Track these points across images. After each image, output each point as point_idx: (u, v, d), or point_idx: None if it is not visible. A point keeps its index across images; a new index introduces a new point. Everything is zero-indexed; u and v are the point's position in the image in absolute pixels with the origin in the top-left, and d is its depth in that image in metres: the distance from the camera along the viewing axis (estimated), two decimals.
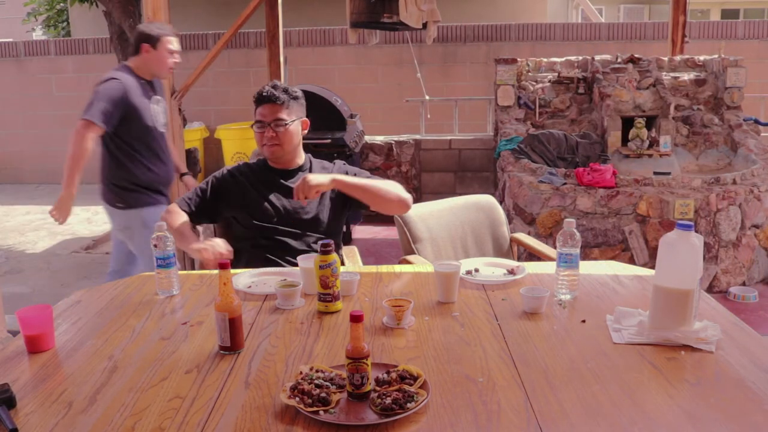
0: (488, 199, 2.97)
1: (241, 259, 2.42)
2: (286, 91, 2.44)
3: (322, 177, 2.30)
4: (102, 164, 3.31)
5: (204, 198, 2.50)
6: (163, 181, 3.33)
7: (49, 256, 5.55)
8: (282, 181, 2.49)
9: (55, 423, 1.36)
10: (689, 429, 1.30)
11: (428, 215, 2.79)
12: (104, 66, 8.04)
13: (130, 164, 3.20)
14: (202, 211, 2.50)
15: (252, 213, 2.45)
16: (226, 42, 3.91)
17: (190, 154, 4.69)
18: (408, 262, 2.53)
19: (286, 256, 2.41)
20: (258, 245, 2.44)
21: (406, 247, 2.71)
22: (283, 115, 2.43)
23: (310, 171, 2.53)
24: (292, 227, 2.45)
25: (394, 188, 2.43)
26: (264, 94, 2.43)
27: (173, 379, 1.53)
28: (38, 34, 13.80)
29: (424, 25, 4.86)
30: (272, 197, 2.46)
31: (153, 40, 3.18)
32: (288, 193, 2.44)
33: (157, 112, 3.25)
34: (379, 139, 6.13)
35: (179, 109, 3.87)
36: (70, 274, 5.08)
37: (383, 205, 2.43)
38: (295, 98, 2.46)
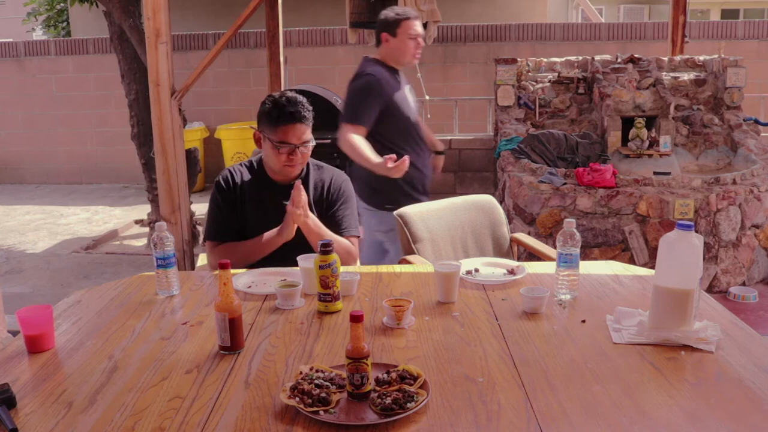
0: (488, 199, 2.96)
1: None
2: (304, 106, 2.33)
3: (311, 218, 2.30)
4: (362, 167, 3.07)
5: (229, 215, 2.39)
6: (425, 177, 3.16)
7: (49, 256, 5.55)
8: (281, 199, 2.35)
9: (55, 423, 1.36)
10: (689, 429, 1.30)
11: (428, 215, 2.78)
12: (104, 66, 8.10)
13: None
14: (235, 226, 2.38)
15: (251, 229, 2.37)
16: (226, 42, 3.90)
17: (190, 154, 4.68)
18: (408, 262, 2.53)
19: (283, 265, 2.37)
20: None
21: (406, 247, 2.71)
22: (309, 134, 2.34)
23: (308, 177, 2.45)
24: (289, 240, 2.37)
25: (344, 253, 2.34)
26: (293, 113, 2.28)
27: (173, 379, 1.53)
28: (38, 34, 13.80)
29: (424, 25, 4.85)
30: (271, 214, 2.36)
31: (391, 28, 2.96)
32: (281, 208, 2.33)
33: (411, 101, 3.10)
34: None
35: (179, 109, 3.86)
36: (70, 274, 5.07)
37: None
38: (312, 111, 2.37)
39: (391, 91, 2.99)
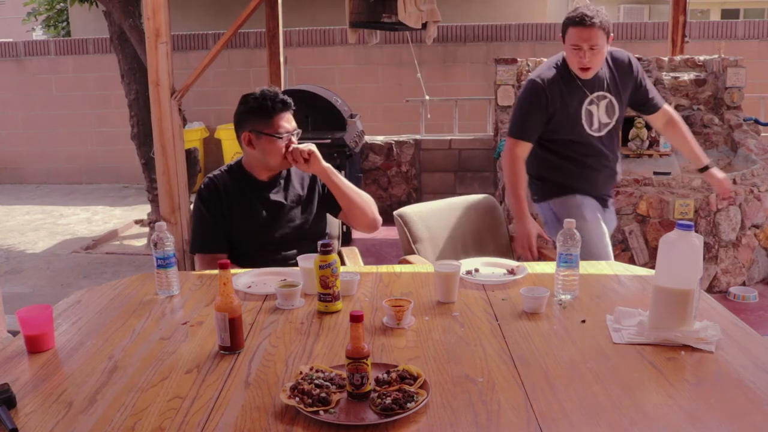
0: (488, 200, 2.96)
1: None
2: (285, 95, 2.36)
3: (321, 160, 2.35)
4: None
5: (216, 225, 2.37)
6: (591, 192, 2.82)
7: (49, 256, 5.55)
8: (268, 195, 2.40)
9: (55, 423, 1.36)
10: (689, 429, 1.30)
11: (428, 215, 2.78)
12: (104, 66, 8.10)
13: (551, 168, 2.82)
14: (223, 235, 2.38)
15: (242, 231, 2.37)
16: (226, 42, 3.90)
17: (190, 154, 4.68)
18: (408, 262, 2.53)
19: (280, 266, 2.36)
20: (252, 260, 2.36)
21: (406, 247, 2.71)
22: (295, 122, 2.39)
23: (288, 177, 2.47)
24: (282, 239, 2.40)
25: (370, 205, 2.43)
26: (284, 101, 2.31)
27: (173, 379, 1.53)
28: (38, 34, 13.80)
29: (424, 25, 4.85)
30: (261, 212, 2.38)
31: (562, 31, 2.65)
32: (270, 205, 2.39)
33: (591, 112, 2.71)
34: (379, 139, 6.13)
35: (179, 109, 3.86)
36: (70, 274, 5.08)
37: (355, 215, 2.42)
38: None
39: (560, 98, 2.67)
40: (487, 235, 2.88)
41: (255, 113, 2.32)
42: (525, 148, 2.75)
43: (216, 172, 2.44)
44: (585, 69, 2.64)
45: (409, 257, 2.61)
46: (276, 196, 2.41)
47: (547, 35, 7.82)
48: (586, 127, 2.73)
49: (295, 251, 2.38)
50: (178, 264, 2.13)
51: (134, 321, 1.88)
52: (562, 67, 2.71)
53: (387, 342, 1.70)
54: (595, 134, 2.76)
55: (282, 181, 2.44)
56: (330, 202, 2.46)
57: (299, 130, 2.38)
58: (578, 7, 2.63)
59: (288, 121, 2.34)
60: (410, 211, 2.75)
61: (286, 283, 2.00)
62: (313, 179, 2.49)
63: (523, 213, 2.75)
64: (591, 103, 2.72)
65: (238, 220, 2.37)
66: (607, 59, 2.72)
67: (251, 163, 2.41)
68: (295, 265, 2.14)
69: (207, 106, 8.10)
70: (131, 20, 4.96)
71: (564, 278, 1.95)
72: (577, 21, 2.58)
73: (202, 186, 2.40)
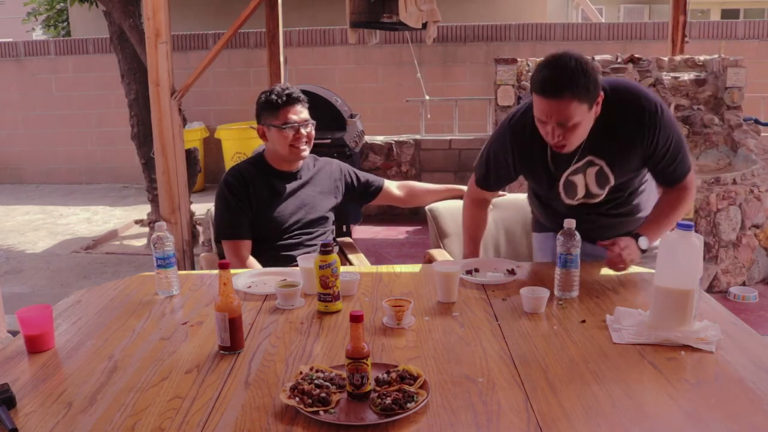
0: (523, 198, 2.92)
1: (261, 263, 2.46)
2: (297, 91, 2.51)
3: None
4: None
5: (243, 212, 2.47)
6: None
7: (49, 256, 5.55)
8: (288, 184, 2.54)
9: (55, 423, 1.36)
10: (689, 429, 1.30)
11: (458, 212, 2.75)
12: (104, 66, 8.10)
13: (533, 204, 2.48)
14: (248, 222, 2.50)
15: (266, 218, 2.48)
16: (226, 42, 3.90)
17: (190, 154, 4.68)
18: (432, 257, 2.54)
19: (299, 250, 2.48)
20: (274, 248, 2.48)
21: (434, 241, 2.71)
22: (308, 115, 2.51)
23: (318, 171, 2.63)
24: (303, 228, 2.52)
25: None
26: (290, 94, 2.46)
27: (173, 379, 1.53)
28: (38, 34, 13.80)
29: (424, 25, 4.85)
30: (284, 201, 2.51)
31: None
32: (291, 193, 2.52)
33: (574, 184, 2.13)
34: (379, 139, 6.13)
35: (179, 109, 3.86)
36: (70, 274, 5.07)
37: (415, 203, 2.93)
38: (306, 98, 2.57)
39: (528, 160, 2.17)
40: (520, 233, 2.79)
41: (265, 108, 2.49)
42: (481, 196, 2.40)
43: (240, 163, 2.60)
44: (558, 147, 1.99)
45: (433, 251, 2.60)
46: (297, 185, 2.55)
47: (547, 35, 7.81)
48: (564, 198, 2.16)
49: (310, 238, 2.53)
50: (178, 264, 2.14)
51: (134, 321, 1.88)
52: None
53: (387, 342, 1.70)
54: (578, 203, 2.17)
55: (303, 174, 2.57)
56: (367, 193, 2.74)
57: (313, 121, 2.52)
58: (549, 59, 1.89)
59: (296, 113, 2.47)
60: (441, 206, 2.75)
61: (286, 283, 2.00)
62: (344, 176, 2.69)
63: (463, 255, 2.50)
64: (575, 172, 2.10)
65: (261, 206, 2.48)
66: (604, 104, 1.95)
67: (270, 155, 2.56)
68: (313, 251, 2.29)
69: (207, 106, 8.11)
70: (131, 20, 4.96)
71: (564, 278, 1.95)
72: (539, 87, 1.88)
73: (228, 175, 2.53)
